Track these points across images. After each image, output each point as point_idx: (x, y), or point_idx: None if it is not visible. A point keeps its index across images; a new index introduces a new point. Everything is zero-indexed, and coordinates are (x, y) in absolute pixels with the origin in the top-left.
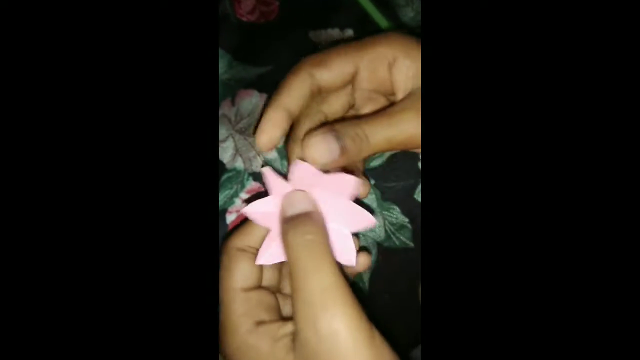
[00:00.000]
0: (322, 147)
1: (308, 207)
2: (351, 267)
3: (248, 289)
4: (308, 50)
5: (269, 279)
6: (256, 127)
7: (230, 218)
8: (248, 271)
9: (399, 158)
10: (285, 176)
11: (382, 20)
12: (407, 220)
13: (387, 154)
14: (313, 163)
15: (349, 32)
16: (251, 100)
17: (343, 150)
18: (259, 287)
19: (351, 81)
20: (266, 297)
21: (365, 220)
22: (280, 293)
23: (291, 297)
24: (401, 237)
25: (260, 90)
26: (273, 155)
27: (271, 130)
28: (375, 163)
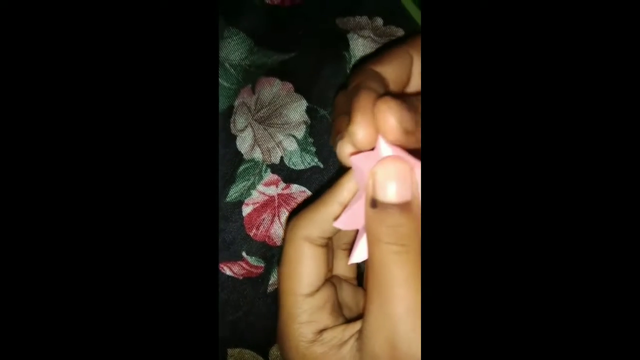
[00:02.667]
0: (404, 112)
1: (407, 195)
2: None
3: (313, 293)
4: (335, 37)
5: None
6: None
7: (247, 210)
8: (317, 270)
9: None
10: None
11: (413, 8)
12: None
13: None
14: (394, 129)
15: (378, 20)
16: (272, 88)
17: (414, 122)
18: (323, 284)
19: (409, 76)
20: (329, 296)
21: None
22: (333, 275)
23: (366, 294)
24: None
25: (282, 79)
26: (293, 147)
27: (368, 119)
28: None
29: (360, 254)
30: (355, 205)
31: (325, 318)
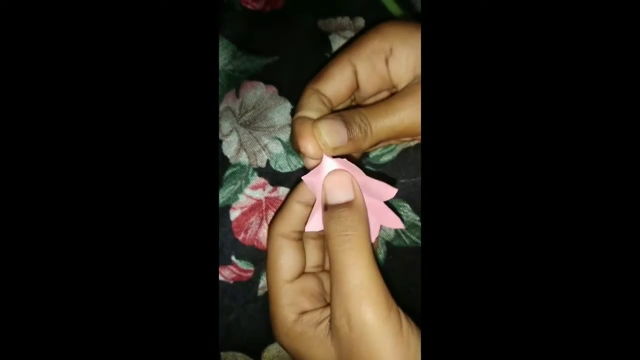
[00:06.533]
0: (332, 130)
1: (349, 196)
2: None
3: (292, 279)
4: (317, 39)
5: (313, 259)
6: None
7: (235, 214)
8: (292, 260)
9: (410, 154)
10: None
11: (394, 7)
12: (417, 218)
13: (399, 150)
14: (323, 147)
15: (360, 21)
16: (256, 92)
17: (350, 136)
18: (302, 273)
19: (357, 85)
20: (310, 284)
21: (394, 222)
22: (324, 270)
23: (330, 284)
24: (411, 236)
25: (266, 82)
26: (279, 149)
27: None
28: (386, 159)
29: (314, 223)
30: (317, 211)
31: (304, 301)
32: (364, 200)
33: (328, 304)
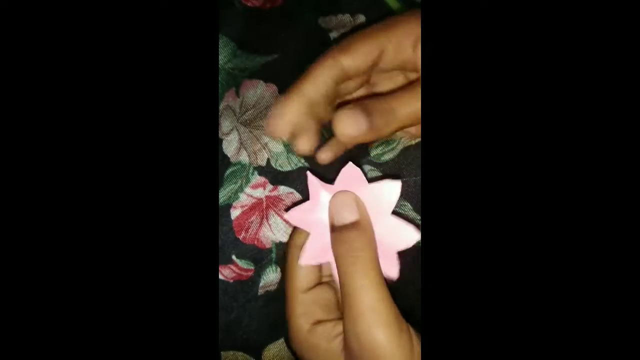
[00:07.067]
0: (351, 121)
1: (355, 216)
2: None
3: (307, 289)
4: (317, 37)
5: (328, 268)
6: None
7: (235, 213)
8: (308, 270)
9: (411, 152)
10: (321, 178)
11: (395, 4)
12: (418, 217)
13: (400, 148)
14: (342, 137)
15: (361, 18)
16: (256, 90)
17: (371, 124)
18: (318, 284)
19: (376, 63)
20: (324, 294)
21: (408, 238)
22: None
23: (341, 303)
24: None
25: (266, 81)
26: (279, 149)
27: (286, 115)
28: (387, 157)
29: (308, 257)
30: (309, 245)
31: (317, 311)
32: (369, 219)
33: (341, 317)
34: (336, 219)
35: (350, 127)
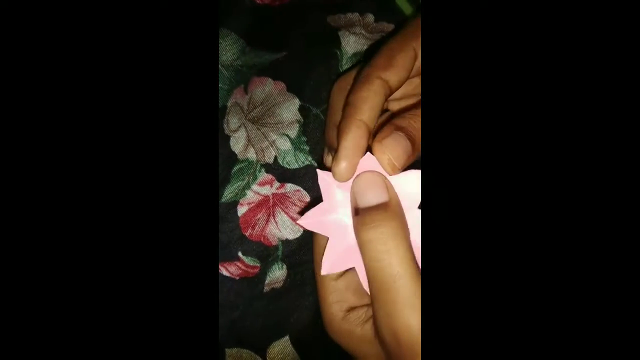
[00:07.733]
0: (398, 149)
1: (383, 197)
2: None
3: (338, 276)
4: (326, 35)
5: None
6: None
7: (242, 210)
8: None
9: None
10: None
11: (407, 9)
12: None
13: None
14: (391, 168)
15: (369, 17)
16: (265, 88)
17: (414, 145)
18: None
19: (414, 70)
20: (355, 279)
21: None
22: None
23: (370, 293)
24: None
25: (275, 78)
26: (287, 146)
27: (355, 158)
28: None
29: (330, 265)
30: (329, 252)
31: (350, 297)
32: (400, 202)
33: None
34: (360, 200)
35: (398, 155)
